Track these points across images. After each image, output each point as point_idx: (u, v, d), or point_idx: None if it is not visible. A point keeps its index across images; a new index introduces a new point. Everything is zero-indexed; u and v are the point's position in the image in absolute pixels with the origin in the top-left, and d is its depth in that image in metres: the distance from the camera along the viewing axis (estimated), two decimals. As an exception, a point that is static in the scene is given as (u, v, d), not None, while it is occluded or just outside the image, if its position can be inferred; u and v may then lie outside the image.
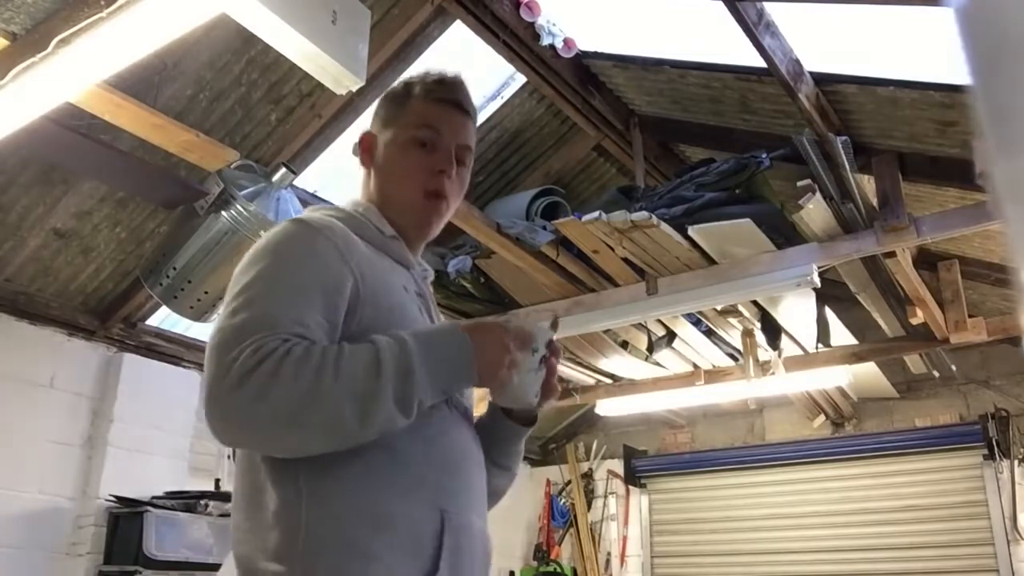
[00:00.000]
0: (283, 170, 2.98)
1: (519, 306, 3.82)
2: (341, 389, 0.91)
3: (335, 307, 1.01)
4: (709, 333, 3.99)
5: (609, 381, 4.68)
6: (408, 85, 1.22)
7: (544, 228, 3.37)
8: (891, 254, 3.11)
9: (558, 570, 5.49)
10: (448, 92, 1.20)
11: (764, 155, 3.13)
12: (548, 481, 5.93)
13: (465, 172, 1.23)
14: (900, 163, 3.08)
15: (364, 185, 1.23)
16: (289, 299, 0.99)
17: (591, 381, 4.67)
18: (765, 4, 2.61)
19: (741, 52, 2.84)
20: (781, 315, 3.68)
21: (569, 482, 5.85)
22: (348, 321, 1.02)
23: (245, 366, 0.90)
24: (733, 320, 3.79)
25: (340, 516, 0.95)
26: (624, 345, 4.15)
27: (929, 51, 2.83)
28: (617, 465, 5.70)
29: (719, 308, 3.64)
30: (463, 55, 3.35)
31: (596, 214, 3.06)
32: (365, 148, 1.23)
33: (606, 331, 3.94)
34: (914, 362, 4.52)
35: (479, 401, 1.32)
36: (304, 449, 0.95)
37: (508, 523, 5.36)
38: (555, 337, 1.13)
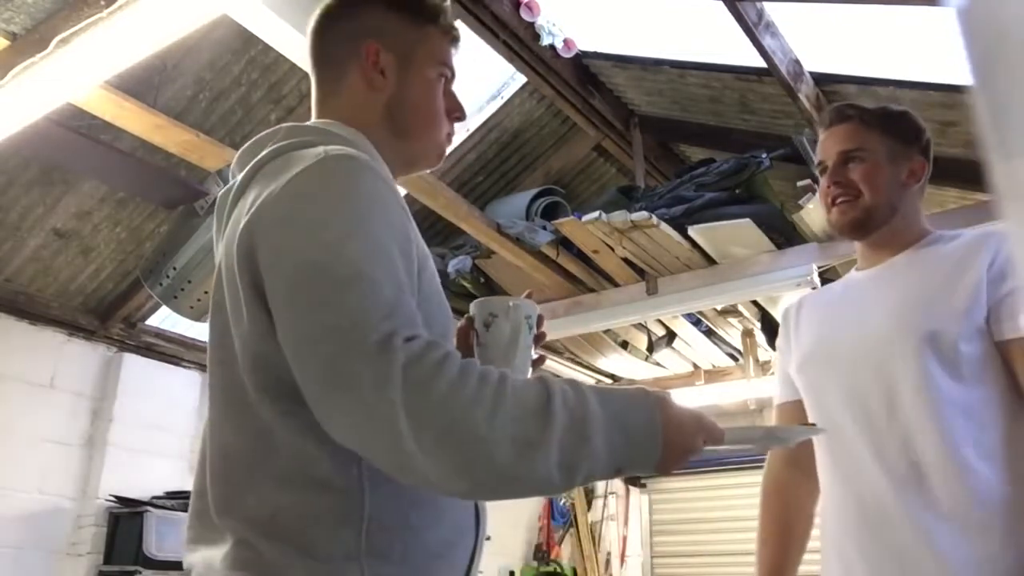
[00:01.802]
0: (283, 170, 2.98)
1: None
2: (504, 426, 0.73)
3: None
4: (709, 333, 3.99)
5: (609, 381, 4.68)
6: (433, 7, 1.05)
7: (544, 228, 3.37)
8: (891, 254, 3.10)
9: (558, 570, 5.49)
10: (457, 36, 1.10)
11: (764, 155, 3.13)
12: (548, 481, 5.92)
13: None
14: (900, 163, 3.07)
15: (357, 107, 1.00)
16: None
17: (591, 381, 4.67)
18: (765, 4, 2.61)
19: (741, 52, 2.85)
20: (781, 315, 3.68)
21: (569, 482, 5.84)
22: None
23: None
24: (733, 320, 3.79)
25: (404, 502, 0.84)
26: (624, 345, 4.15)
27: (929, 51, 2.83)
28: (617, 465, 5.69)
29: (719, 308, 3.64)
30: (463, 55, 3.35)
31: (596, 214, 3.06)
32: (374, 63, 1.00)
33: (606, 331, 3.94)
34: (914, 362, 4.51)
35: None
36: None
37: (508, 523, 5.35)
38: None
